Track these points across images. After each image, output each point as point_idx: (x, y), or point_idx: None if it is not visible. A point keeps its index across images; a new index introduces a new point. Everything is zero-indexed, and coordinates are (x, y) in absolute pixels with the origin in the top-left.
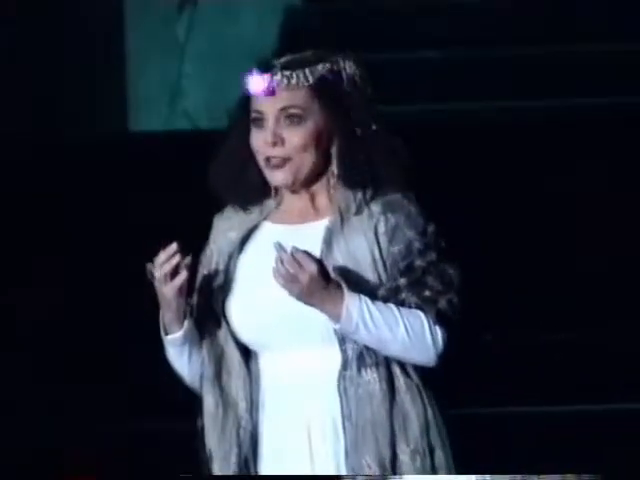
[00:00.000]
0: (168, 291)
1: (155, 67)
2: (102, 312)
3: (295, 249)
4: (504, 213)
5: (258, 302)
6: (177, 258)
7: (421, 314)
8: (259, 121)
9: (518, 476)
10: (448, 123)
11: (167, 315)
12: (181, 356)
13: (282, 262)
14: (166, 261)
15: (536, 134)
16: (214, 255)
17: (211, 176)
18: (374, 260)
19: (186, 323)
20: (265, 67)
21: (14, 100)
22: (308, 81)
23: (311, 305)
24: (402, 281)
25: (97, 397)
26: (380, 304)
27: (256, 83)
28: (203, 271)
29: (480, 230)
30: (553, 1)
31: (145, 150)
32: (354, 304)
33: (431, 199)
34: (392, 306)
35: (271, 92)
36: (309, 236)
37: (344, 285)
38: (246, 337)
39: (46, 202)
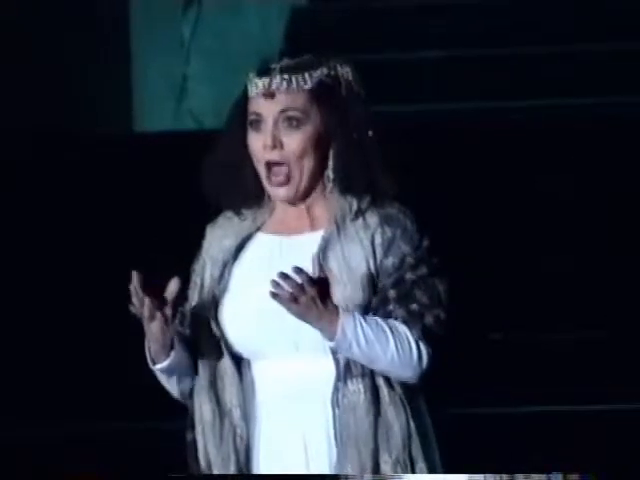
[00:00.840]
0: (152, 328)
1: (160, 67)
2: (103, 313)
3: (297, 269)
4: (507, 213)
5: (251, 312)
6: (148, 304)
7: (407, 331)
8: (257, 123)
9: (504, 475)
10: (449, 123)
11: (153, 347)
12: (169, 380)
13: (283, 280)
14: (140, 306)
15: (538, 135)
16: (207, 264)
17: (204, 179)
18: (368, 270)
19: (172, 354)
20: (264, 70)
21: (18, 100)
22: (307, 85)
23: (307, 322)
24: (391, 293)
25: (98, 397)
26: (372, 321)
27: (256, 85)
28: (196, 280)
29: (485, 231)
30: (554, 1)
31: (150, 150)
32: (349, 324)
33: (432, 201)
34: (383, 323)
35: (271, 95)
36: (305, 248)
37: (340, 305)
38: (239, 346)
39: (50, 202)
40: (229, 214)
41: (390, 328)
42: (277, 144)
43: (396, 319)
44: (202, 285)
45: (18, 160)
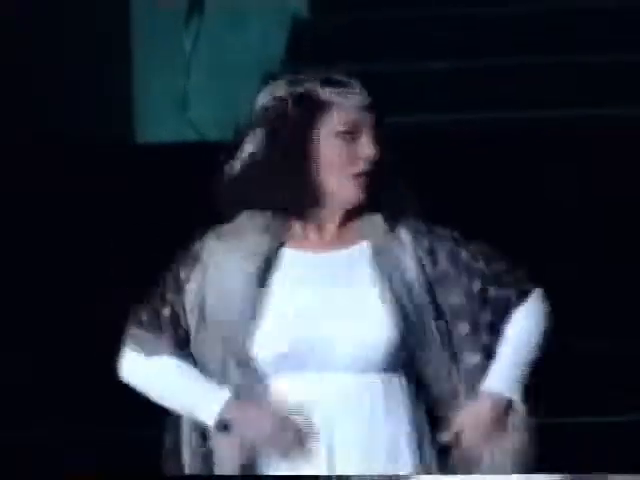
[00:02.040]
0: None
1: (161, 78)
2: (103, 317)
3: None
4: (511, 221)
5: (286, 330)
6: None
7: (521, 305)
8: (349, 134)
9: (522, 476)
10: (458, 133)
11: None
12: None
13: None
14: None
15: (543, 144)
16: (223, 281)
17: (222, 190)
18: (419, 282)
19: None
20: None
21: (19, 112)
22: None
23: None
24: (485, 283)
25: (98, 398)
26: (505, 349)
27: (352, 96)
28: (204, 296)
29: (488, 238)
30: (562, 12)
31: (152, 162)
32: (518, 400)
33: (435, 211)
34: (507, 336)
35: (369, 107)
36: (338, 264)
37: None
38: (268, 364)
39: (52, 214)
40: (242, 227)
41: (513, 329)
42: (372, 155)
43: (509, 299)
44: (215, 304)
45: (19, 172)
